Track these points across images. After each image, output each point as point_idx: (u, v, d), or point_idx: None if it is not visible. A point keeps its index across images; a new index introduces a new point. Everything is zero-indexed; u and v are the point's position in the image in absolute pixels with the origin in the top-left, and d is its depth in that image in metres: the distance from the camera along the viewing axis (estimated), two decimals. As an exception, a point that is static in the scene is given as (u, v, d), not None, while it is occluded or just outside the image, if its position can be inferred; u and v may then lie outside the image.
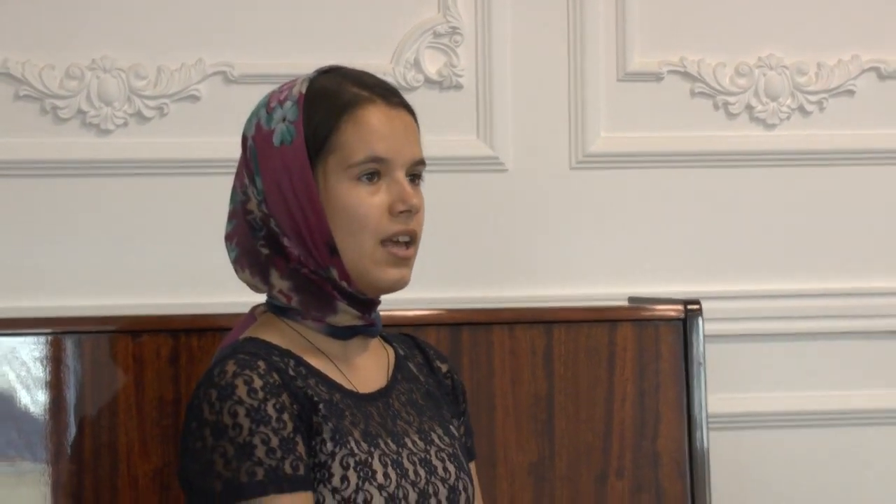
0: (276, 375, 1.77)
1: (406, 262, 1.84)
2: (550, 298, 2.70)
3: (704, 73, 2.86)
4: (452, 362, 2.06)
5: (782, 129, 2.89)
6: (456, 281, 2.71)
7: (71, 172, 2.63)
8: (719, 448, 2.65)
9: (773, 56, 2.89)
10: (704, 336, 2.47)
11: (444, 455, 1.88)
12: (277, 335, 1.85)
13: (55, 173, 2.63)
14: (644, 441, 2.44)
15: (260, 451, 1.72)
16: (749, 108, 2.88)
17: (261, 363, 1.77)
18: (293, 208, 1.81)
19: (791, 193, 2.90)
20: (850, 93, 2.92)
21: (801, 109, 2.90)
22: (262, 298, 1.92)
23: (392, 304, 1.97)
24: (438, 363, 2.01)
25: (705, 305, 2.47)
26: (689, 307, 2.49)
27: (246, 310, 1.96)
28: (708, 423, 2.46)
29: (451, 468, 1.88)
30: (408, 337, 2.03)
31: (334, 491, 1.77)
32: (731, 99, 2.88)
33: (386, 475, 1.79)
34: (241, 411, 1.73)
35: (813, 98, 2.90)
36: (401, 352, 1.97)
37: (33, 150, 2.62)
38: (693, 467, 2.45)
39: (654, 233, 2.84)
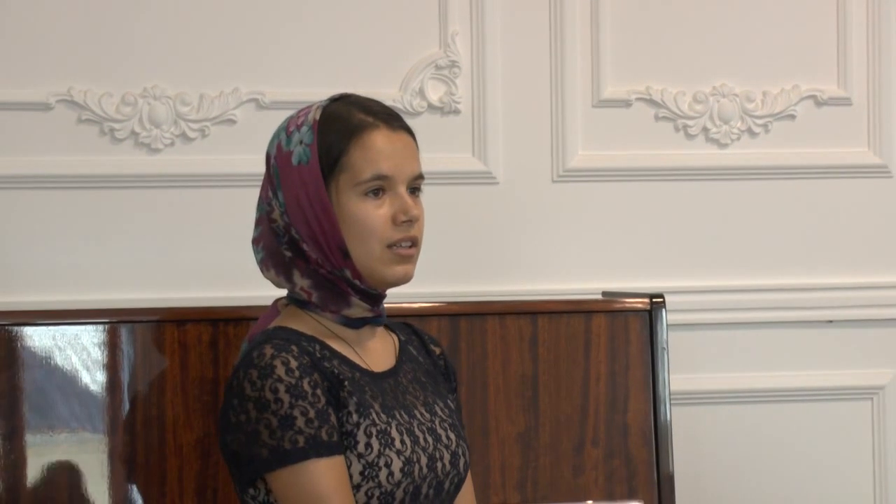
0: (307, 357, 1.76)
1: (409, 258, 1.83)
2: (535, 293, 2.70)
3: (667, 100, 2.85)
4: (444, 346, 2.06)
5: (733, 149, 2.88)
6: (455, 277, 2.70)
7: (126, 185, 2.63)
8: (679, 420, 2.66)
9: (725, 85, 2.88)
10: (668, 325, 2.46)
11: (446, 425, 1.88)
12: (302, 324, 1.85)
13: (112, 186, 2.63)
14: (616, 414, 2.43)
15: (300, 422, 1.72)
16: (705, 130, 2.87)
17: (294, 347, 1.76)
18: (310, 219, 1.81)
19: (741, 203, 2.88)
20: (792, 117, 2.91)
21: (750, 131, 2.89)
22: (283, 293, 1.91)
23: (400, 298, 1.97)
24: (432, 346, 2.01)
25: (668, 299, 2.46)
26: (654, 300, 2.47)
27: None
28: (670, 399, 2.45)
29: (452, 436, 1.87)
30: (405, 325, 2.02)
31: (360, 456, 1.76)
32: (689, 122, 2.86)
33: (402, 442, 1.79)
34: (282, 388, 1.72)
35: (759, 122, 2.89)
36: (402, 337, 1.97)
37: (94, 166, 2.62)
38: (658, 437, 2.44)
39: (624, 236, 2.83)
